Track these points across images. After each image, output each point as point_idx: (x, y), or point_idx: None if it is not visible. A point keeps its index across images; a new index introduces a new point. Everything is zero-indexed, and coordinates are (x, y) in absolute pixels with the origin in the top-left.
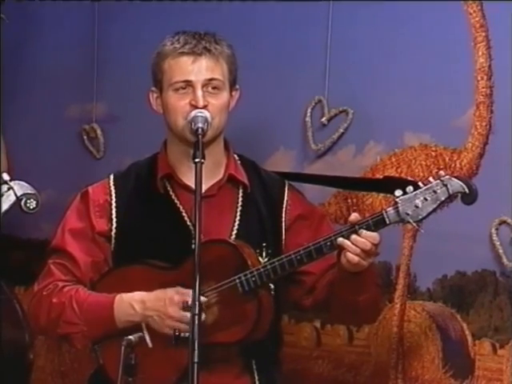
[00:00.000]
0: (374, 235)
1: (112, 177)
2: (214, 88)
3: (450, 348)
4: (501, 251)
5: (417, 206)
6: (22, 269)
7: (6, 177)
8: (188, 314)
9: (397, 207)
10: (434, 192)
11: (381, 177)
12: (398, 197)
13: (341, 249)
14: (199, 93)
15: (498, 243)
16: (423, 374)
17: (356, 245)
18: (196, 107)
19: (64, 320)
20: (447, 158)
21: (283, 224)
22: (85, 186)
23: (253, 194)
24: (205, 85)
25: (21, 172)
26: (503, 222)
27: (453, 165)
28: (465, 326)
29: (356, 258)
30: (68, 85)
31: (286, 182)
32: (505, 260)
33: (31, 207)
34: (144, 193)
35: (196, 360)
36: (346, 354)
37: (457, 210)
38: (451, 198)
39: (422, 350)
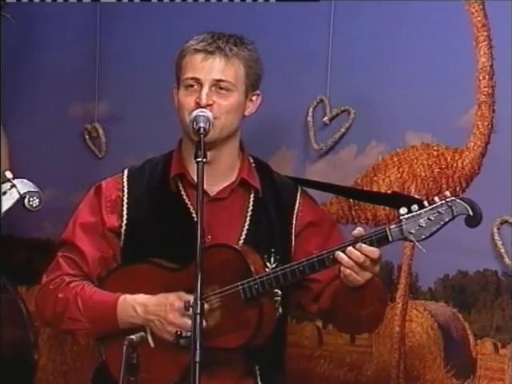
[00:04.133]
0: (372, 250)
1: (126, 172)
2: (222, 89)
3: (451, 347)
4: (502, 251)
5: (420, 226)
6: (24, 268)
7: (9, 175)
8: (188, 321)
9: (401, 225)
10: (439, 213)
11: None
12: (402, 215)
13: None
14: (204, 91)
15: (500, 243)
16: (425, 373)
17: (350, 257)
18: (200, 105)
19: (68, 316)
20: (449, 158)
21: (293, 230)
22: (87, 185)
23: (264, 198)
24: (213, 85)
25: (23, 171)
26: (505, 222)
27: (454, 164)
28: (467, 325)
29: (347, 271)
30: (70, 84)
31: (299, 188)
32: (507, 259)
33: (34, 205)
34: (156, 191)
35: (198, 359)
36: (347, 353)
37: None
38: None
39: (424, 349)
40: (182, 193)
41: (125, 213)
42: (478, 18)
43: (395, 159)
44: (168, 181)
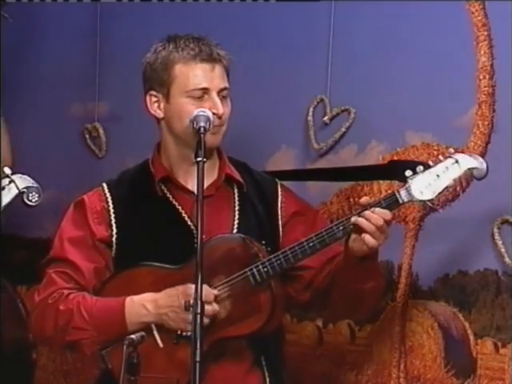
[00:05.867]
0: (384, 211)
1: (105, 185)
2: (224, 96)
3: (452, 347)
4: (503, 250)
5: (429, 184)
6: (24, 268)
7: (7, 170)
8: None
9: (409, 186)
10: (446, 168)
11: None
12: (408, 177)
13: (355, 229)
14: (217, 100)
15: (500, 242)
16: (425, 372)
17: (370, 220)
18: (217, 115)
19: (73, 326)
20: None
21: (280, 222)
22: (87, 185)
23: (248, 192)
24: (218, 92)
25: (23, 170)
26: (505, 221)
27: None
28: (467, 325)
29: (367, 236)
30: (70, 84)
31: (278, 181)
32: (507, 259)
33: (33, 200)
34: (141, 197)
35: (198, 359)
36: (347, 352)
37: (459, 209)
38: (465, 175)
39: (424, 349)
40: (168, 195)
41: (113, 222)
42: (479, 18)
43: (395, 159)
44: (152, 186)
